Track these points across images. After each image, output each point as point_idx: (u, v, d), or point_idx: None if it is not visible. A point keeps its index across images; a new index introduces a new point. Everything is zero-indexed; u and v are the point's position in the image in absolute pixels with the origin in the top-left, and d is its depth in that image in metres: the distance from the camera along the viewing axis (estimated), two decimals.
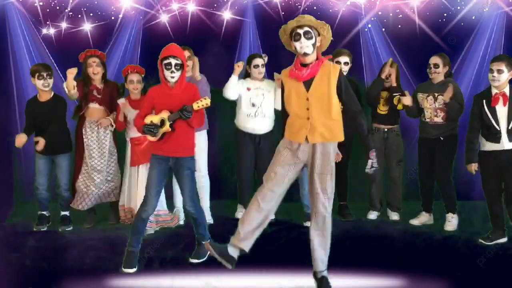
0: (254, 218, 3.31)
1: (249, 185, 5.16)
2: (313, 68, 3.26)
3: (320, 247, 3.35)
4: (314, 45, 3.25)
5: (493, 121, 4.28)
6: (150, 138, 3.73)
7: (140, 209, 3.72)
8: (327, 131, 3.29)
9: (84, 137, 4.81)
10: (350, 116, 3.42)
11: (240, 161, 5.11)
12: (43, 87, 4.65)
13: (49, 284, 3.51)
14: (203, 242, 3.81)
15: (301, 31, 3.22)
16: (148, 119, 3.72)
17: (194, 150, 3.84)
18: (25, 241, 4.43)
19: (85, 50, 4.89)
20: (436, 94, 4.72)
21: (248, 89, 4.99)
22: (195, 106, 3.62)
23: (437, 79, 4.78)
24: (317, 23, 3.25)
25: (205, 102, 3.63)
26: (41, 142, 4.58)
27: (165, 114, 3.66)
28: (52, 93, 4.75)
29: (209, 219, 4.94)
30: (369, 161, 3.42)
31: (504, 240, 4.36)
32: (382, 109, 5.13)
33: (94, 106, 4.79)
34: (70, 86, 4.57)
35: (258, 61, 5.00)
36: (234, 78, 4.91)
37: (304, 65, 3.28)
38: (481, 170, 4.42)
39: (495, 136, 4.28)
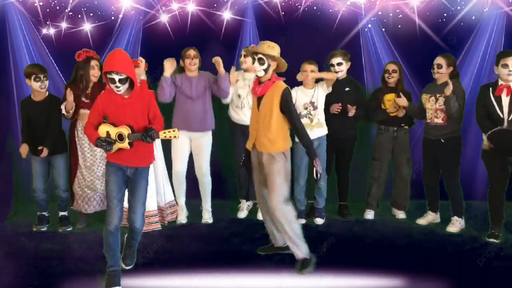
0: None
1: (244, 178, 5.17)
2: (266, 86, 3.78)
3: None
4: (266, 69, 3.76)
5: (497, 108, 4.35)
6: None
7: None
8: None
9: (76, 139, 4.82)
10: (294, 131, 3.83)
11: (235, 153, 5.17)
12: (40, 89, 4.63)
13: (49, 284, 3.52)
14: None
15: (256, 57, 3.75)
16: (103, 130, 3.41)
17: (151, 159, 3.58)
18: (25, 241, 4.43)
19: (82, 49, 4.82)
20: (437, 95, 4.71)
21: (243, 80, 5.04)
22: (162, 135, 3.42)
23: (440, 79, 4.76)
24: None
25: (173, 134, 3.43)
26: (45, 151, 4.60)
27: (125, 131, 3.36)
28: (47, 93, 4.74)
29: (209, 218, 4.95)
30: (314, 170, 3.75)
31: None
32: (392, 111, 5.11)
33: (84, 112, 4.76)
34: (69, 107, 4.64)
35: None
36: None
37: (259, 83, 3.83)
38: (486, 163, 4.48)
39: (498, 123, 4.34)
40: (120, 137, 3.37)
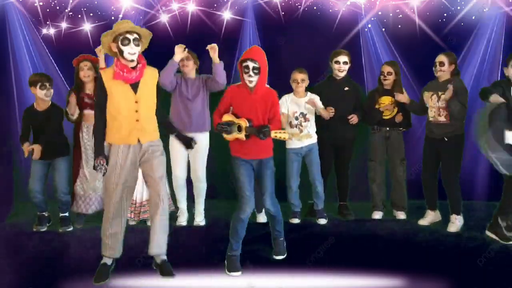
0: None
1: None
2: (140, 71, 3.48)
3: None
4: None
5: None
6: (225, 135, 3.69)
7: None
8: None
9: (81, 140, 4.84)
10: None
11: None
12: (45, 97, 4.63)
13: (49, 284, 3.52)
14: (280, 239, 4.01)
15: (131, 37, 3.39)
16: (225, 119, 3.69)
17: (271, 151, 3.78)
18: (25, 241, 4.43)
19: (79, 55, 4.87)
20: (439, 93, 4.68)
21: None
22: (273, 134, 3.56)
23: (442, 77, 4.74)
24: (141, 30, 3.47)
25: (284, 135, 3.57)
26: (37, 151, 4.54)
27: (243, 123, 3.59)
28: (50, 102, 4.73)
29: (200, 220, 4.93)
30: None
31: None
32: (386, 114, 5.11)
33: (88, 112, 4.81)
34: (73, 110, 4.70)
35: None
36: None
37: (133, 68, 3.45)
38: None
39: None
40: (239, 129, 3.62)
